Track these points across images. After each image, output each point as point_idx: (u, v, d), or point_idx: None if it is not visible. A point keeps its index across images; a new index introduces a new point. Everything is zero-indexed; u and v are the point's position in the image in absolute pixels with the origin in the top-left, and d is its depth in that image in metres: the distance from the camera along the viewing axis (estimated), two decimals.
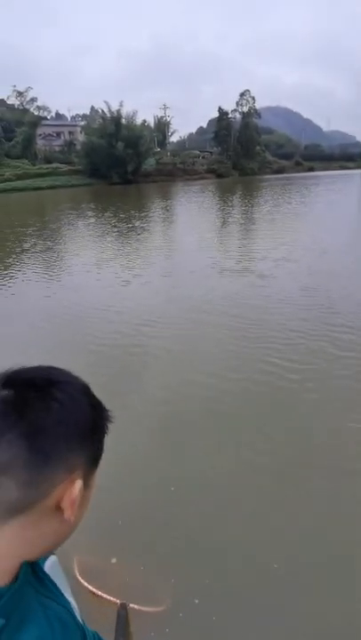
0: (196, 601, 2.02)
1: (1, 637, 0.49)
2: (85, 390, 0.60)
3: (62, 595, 0.63)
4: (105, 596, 2.02)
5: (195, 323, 5.48)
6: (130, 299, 6.73)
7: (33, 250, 11.45)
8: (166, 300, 6.58)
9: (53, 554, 0.71)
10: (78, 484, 0.55)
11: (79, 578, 2.13)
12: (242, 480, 2.80)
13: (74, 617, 0.62)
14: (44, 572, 0.63)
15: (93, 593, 2.04)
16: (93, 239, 13.11)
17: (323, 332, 4.93)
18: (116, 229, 14.76)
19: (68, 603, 0.63)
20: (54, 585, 0.62)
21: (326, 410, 3.48)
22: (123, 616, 1.71)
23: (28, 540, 0.54)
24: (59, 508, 0.54)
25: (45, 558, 0.66)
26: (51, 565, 0.67)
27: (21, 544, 0.54)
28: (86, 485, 0.58)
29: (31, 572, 0.58)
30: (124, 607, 1.75)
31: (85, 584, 2.09)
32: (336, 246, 9.97)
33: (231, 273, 8.04)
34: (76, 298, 6.94)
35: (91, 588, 2.06)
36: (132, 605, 1.86)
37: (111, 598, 1.98)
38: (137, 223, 15.82)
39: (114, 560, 2.25)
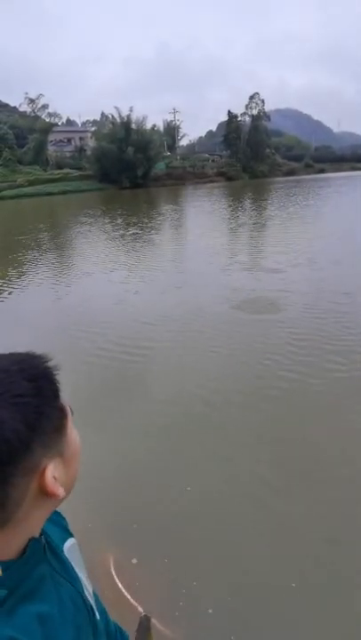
0: (210, 611, 2.06)
1: (2, 607, 0.50)
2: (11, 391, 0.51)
3: (79, 579, 0.65)
4: (131, 600, 2.06)
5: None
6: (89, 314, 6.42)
7: (16, 261, 11.24)
8: (133, 320, 6.14)
9: (72, 535, 0.73)
10: (49, 468, 0.54)
11: (114, 575, 2.20)
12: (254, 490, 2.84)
13: (85, 601, 0.63)
14: (65, 557, 0.65)
15: (122, 593, 2.08)
16: (80, 249, 12.80)
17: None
18: (106, 236, 14.69)
19: (83, 588, 0.65)
20: (73, 569, 0.65)
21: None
22: (145, 626, 1.80)
23: (25, 528, 0.55)
24: (45, 494, 0.54)
25: (65, 540, 0.70)
26: (70, 546, 0.69)
27: (19, 533, 0.54)
28: (60, 449, 0.57)
29: (50, 551, 0.61)
30: (147, 619, 1.81)
31: (118, 583, 2.15)
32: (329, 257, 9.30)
33: (214, 291, 7.31)
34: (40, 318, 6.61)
35: (121, 587, 2.12)
36: (154, 621, 1.89)
37: (137, 605, 2.03)
38: (131, 230, 15.49)
39: (134, 560, 2.32)
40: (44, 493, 0.53)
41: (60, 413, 0.57)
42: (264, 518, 2.59)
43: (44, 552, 0.59)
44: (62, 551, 0.67)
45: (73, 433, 0.61)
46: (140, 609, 1.98)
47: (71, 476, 0.59)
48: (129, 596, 2.07)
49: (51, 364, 0.57)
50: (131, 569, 2.26)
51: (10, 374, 0.52)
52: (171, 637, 1.96)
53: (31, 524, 0.55)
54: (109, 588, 2.12)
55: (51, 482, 0.53)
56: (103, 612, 0.76)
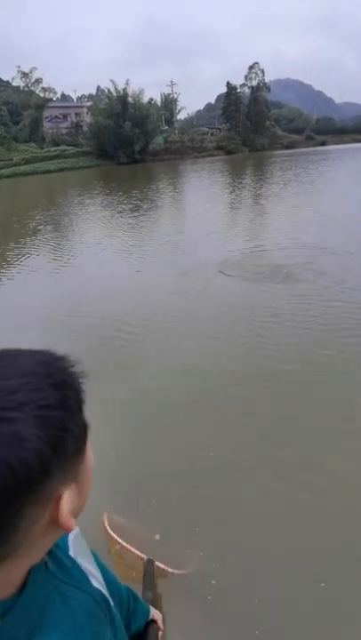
0: (213, 581, 2.08)
1: None
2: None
3: (87, 579, 0.61)
4: (133, 550, 2.10)
5: None
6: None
7: None
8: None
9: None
10: (65, 498, 0.46)
11: (110, 531, 2.24)
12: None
13: (97, 602, 0.59)
14: (71, 559, 0.61)
15: (122, 547, 2.14)
16: (43, 238, 11.47)
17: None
18: (80, 221, 13.90)
19: (92, 585, 0.61)
20: (80, 570, 0.61)
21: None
22: (150, 571, 1.78)
23: (27, 559, 0.48)
24: (55, 523, 0.46)
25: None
26: (74, 538, 0.65)
27: (20, 565, 0.48)
28: (76, 473, 0.49)
29: (53, 561, 0.56)
30: (151, 563, 1.82)
31: (116, 537, 2.19)
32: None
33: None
34: None
35: (120, 541, 2.17)
36: (157, 563, 1.93)
37: (139, 553, 2.07)
38: (102, 213, 14.67)
39: (157, 537, 2.31)
40: (56, 524, 0.46)
41: (82, 432, 0.49)
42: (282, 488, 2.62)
43: (45, 567, 0.54)
44: (67, 550, 0.62)
45: (89, 454, 0.53)
46: (143, 555, 2.04)
47: (82, 503, 0.52)
48: (130, 547, 2.13)
49: (77, 369, 0.49)
50: (137, 528, 2.32)
51: (36, 378, 0.44)
52: (176, 574, 2.06)
53: (36, 553, 0.49)
54: (107, 545, 2.18)
55: (66, 514, 0.46)
56: (113, 584, 0.73)
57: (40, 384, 0.43)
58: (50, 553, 0.55)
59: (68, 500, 0.46)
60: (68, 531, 0.47)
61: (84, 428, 0.49)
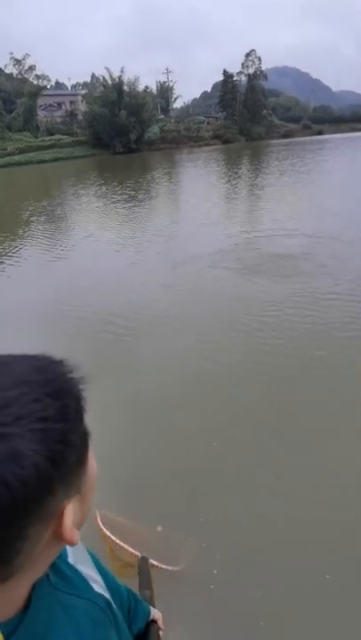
0: (215, 571, 2.10)
1: None
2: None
3: (89, 586, 0.59)
4: (126, 547, 2.06)
5: None
6: None
7: None
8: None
9: None
10: (67, 512, 0.43)
11: (103, 529, 2.21)
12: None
13: (102, 609, 0.58)
14: (70, 566, 0.59)
15: (116, 544, 2.10)
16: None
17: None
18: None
19: (95, 594, 0.59)
20: (80, 578, 0.59)
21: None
22: (144, 569, 1.87)
23: (30, 576, 0.46)
24: (59, 537, 0.44)
25: None
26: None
27: (22, 585, 0.46)
28: (79, 484, 0.46)
29: (54, 572, 0.55)
30: (145, 560, 1.74)
31: (109, 534, 2.15)
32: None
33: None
34: None
35: (113, 538, 2.13)
36: (151, 561, 1.87)
37: (133, 550, 2.03)
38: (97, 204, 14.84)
39: (159, 528, 2.34)
40: (59, 539, 0.44)
41: (83, 441, 0.46)
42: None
43: (47, 579, 0.52)
44: (67, 557, 0.59)
45: (92, 462, 0.50)
46: (137, 553, 2.00)
47: (85, 512, 0.49)
48: (123, 544, 2.11)
49: (77, 375, 0.45)
50: (130, 525, 2.33)
51: (33, 387, 0.40)
52: (170, 571, 2.06)
53: (39, 568, 0.46)
54: (101, 542, 2.17)
55: (70, 529, 0.43)
56: (114, 586, 0.72)
57: (37, 394, 0.40)
58: (52, 565, 0.53)
59: (70, 512, 0.44)
60: (72, 544, 0.45)
61: (85, 436, 0.46)
